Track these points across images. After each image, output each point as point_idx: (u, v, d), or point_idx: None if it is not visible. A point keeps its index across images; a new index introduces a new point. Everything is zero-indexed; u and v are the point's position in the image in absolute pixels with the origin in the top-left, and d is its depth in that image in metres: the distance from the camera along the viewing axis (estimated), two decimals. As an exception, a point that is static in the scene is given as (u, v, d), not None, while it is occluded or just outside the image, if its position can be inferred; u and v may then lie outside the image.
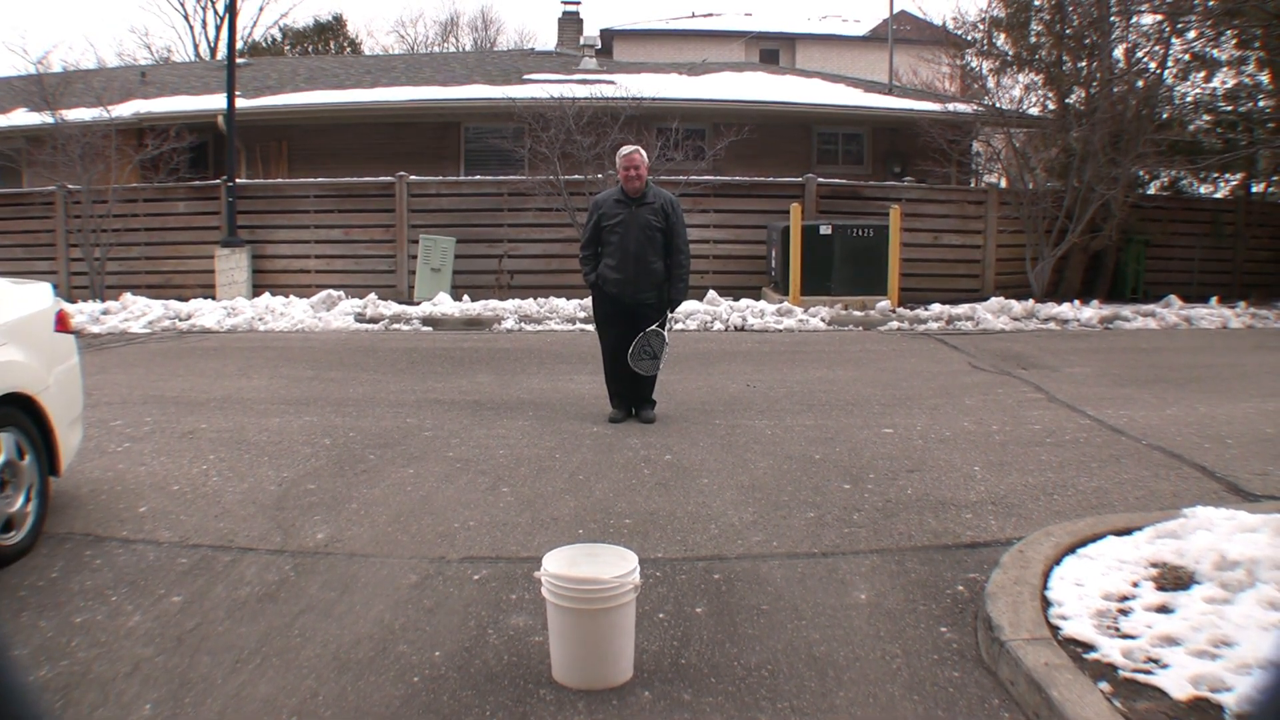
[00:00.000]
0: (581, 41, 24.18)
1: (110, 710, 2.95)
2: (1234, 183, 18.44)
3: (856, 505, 4.95)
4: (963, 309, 13.15)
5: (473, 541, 4.42)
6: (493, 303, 13.37)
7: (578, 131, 13.61)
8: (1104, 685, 2.88)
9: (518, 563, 4.12)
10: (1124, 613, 3.34)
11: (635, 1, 55.83)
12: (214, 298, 13.75)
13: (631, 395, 6.89)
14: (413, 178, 14.71)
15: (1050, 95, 15.92)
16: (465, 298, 13.67)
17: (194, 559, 4.18)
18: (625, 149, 6.75)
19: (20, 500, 4.22)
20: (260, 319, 12.32)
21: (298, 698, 3.03)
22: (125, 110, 16.23)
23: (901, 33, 24.35)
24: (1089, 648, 3.12)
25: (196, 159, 16.32)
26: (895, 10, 24.67)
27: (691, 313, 12.43)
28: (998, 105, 15.58)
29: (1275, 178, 18.00)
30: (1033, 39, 15.99)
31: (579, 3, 25.69)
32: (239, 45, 24.64)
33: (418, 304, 13.45)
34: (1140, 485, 5.30)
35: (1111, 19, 15.03)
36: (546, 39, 47.81)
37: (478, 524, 4.65)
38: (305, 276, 14.53)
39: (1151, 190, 17.97)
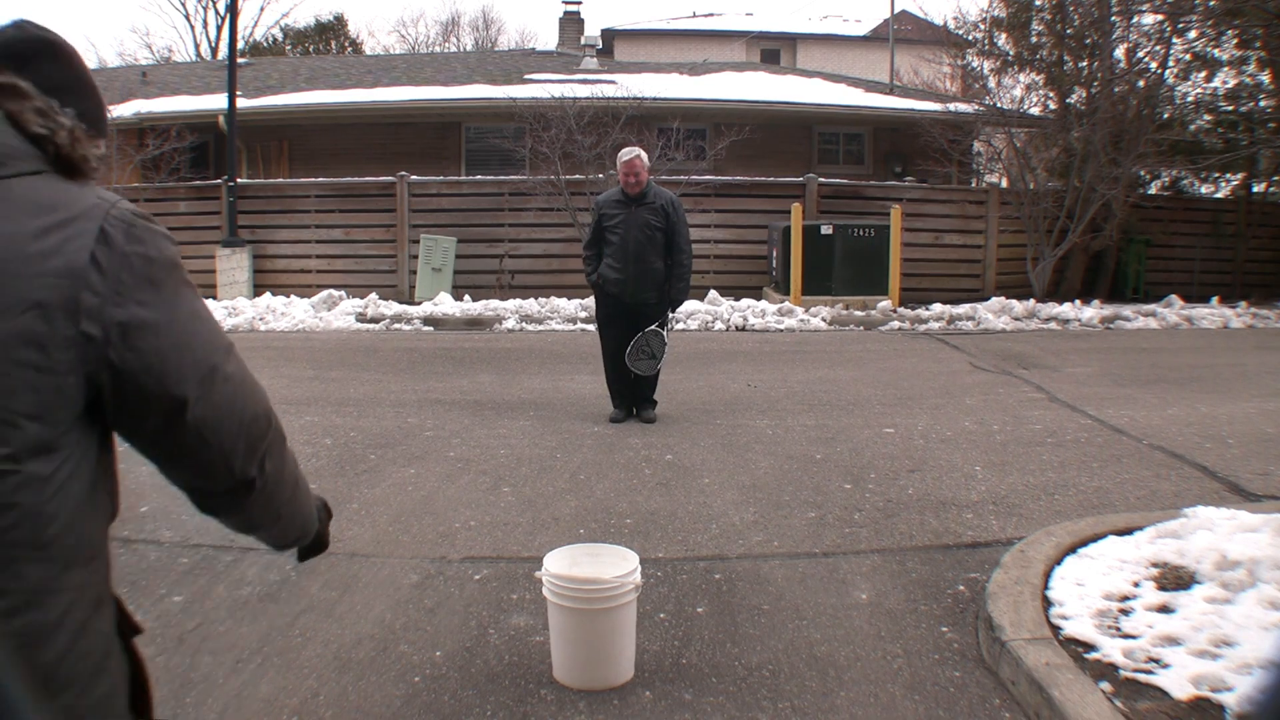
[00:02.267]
0: (582, 41, 24.20)
1: (112, 710, 2.94)
2: (1235, 183, 18.43)
3: (857, 505, 4.95)
4: (964, 309, 13.15)
5: (474, 541, 4.42)
6: (494, 303, 13.37)
7: (579, 131, 13.61)
8: (1105, 685, 2.89)
9: (519, 563, 4.12)
10: (1125, 612, 3.34)
11: (636, 1, 55.91)
12: (215, 297, 13.74)
13: (632, 395, 6.89)
14: (414, 178, 14.71)
15: (1051, 95, 15.91)
16: (466, 297, 13.67)
17: (195, 559, 4.18)
18: (625, 154, 6.70)
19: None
20: (261, 319, 12.32)
21: (299, 697, 3.04)
22: (126, 110, 16.23)
23: (902, 33, 24.38)
24: (1090, 647, 3.12)
25: (197, 159, 16.34)
26: (896, 10, 24.73)
27: (692, 313, 12.42)
28: (999, 105, 15.57)
29: (1276, 178, 17.98)
30: (1034, 39, 15.98)
31: (580, 3, 25.72)
32: (240, 45, 24.61)
33: (419, 304, 13.45)
34: (1141, 485, 5.30)
35: (1112, 19, 15.03)
36: (547, 39, 47.93)
37: (479, 524, 4.65)
38: (306, 276, 14.53)
39: (1152, 190, 17.95)
